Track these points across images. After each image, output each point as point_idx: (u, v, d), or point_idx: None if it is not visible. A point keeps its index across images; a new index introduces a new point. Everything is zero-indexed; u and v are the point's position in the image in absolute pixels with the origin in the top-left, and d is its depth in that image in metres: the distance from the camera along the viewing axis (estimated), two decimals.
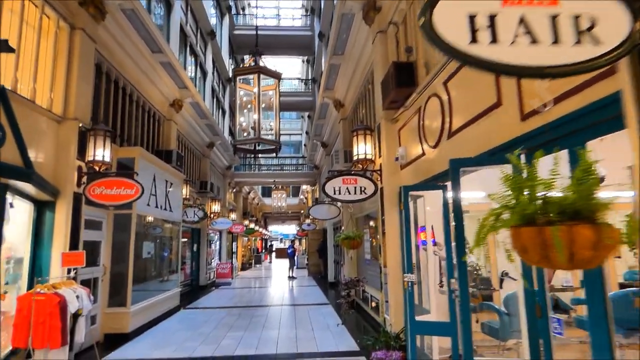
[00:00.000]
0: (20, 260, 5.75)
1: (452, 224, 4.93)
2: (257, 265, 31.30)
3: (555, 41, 1.67)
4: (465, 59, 1.69)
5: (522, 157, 3.20)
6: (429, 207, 5.84)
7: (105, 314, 7.46)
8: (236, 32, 20.00)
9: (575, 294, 6.22)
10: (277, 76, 6.92)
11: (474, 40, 1.69)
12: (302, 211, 31.79)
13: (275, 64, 6.68)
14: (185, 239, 14.37)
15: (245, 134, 6.77)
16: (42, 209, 6.03)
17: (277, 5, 25.99)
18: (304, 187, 29.14)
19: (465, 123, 4.27)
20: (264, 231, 37.40)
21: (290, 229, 47.99)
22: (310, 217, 18.42)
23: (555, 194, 1.58)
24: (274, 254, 42.25)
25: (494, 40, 1.69)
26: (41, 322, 4.88)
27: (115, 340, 7.25)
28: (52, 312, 4.94)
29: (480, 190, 6.60)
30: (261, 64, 6.71)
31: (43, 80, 6.13)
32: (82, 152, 6.51)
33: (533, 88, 3.08)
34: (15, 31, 5.54)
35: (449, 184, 4.85)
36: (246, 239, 29.43)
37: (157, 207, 9.38)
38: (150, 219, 9.31)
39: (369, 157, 7.17)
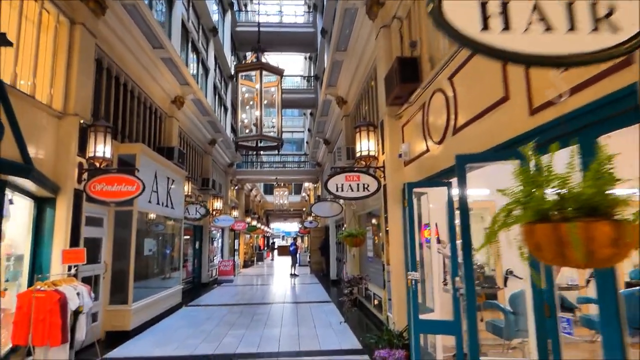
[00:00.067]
0: (21, 257, 5.71)
1: (457, 221, 4.88)
2: (259, 263, 31.30)
3: (571, 28, 1.59)
4: (476, 47, 1.62)
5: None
6: (433, 204, 5.76)
7: (106, 311, 7.42)
8: (238, 28, 19.91)
9: (580, 293, 6.15)
10: (279, 72, 6.85)
11: (485, 27, 1.61)
12: (304, 209, 31.73)
13: (278, 61, 6.61)
14: (188, 236, 14.33)
15: (247, 131, 6.71)
16: (42, 205, 5.98)
17: (280, 1, 25.91)
18: (306, 184, 29.07)
19: (471, 119, 4.18)
20: (266, 229, 37.38)
21: (292, 226, 47.97)
22: (313, 214, 18.36)
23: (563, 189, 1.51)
24: (276, 252, 42.23)
25: (507, 27, 1.61)
26: (41, 319, 4.84)
27: (116, 338, 7.21)
28: (52, 310, 4.89)
29: (484, 188, 6.55)
30: (263, 60, 6.65)
31: (43, 76, 6.07)
32: (82, 148, 6.46)
33: (542, 81, 2.99)
34: (15, 26, 5.47)
35: (454, 180, 4.78)
36: (248, 236, 29.41)
37: (158, 204, 9.33)
38: (151, 215, 9.27)
39: (372, 153, 7.10)
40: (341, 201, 12.10)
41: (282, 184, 26.19)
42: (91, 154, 6.50)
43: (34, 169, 4.99)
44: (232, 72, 18.28)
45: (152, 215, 9.30)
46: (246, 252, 28.00)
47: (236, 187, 23.36)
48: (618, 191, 1.44)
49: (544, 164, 1.57)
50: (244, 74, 6.79)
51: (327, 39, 14.72)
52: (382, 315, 7.42)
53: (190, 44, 13.23)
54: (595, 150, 2.32)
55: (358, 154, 7.18)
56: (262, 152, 23.49)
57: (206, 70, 15.42)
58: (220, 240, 19.17)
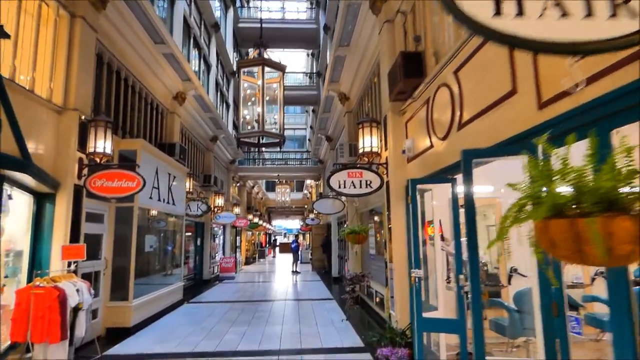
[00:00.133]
0: (20, 253, 5.66)
1: (462, 218, 4.81)
2: (261, 260, 31.28)
3: (588, 14, 1.51)
4: (488, 34, 1.54)
5: (540, 147, 3.07)
6: (436, 201, 5.68)
7: (107, 307, 7.38)
8: (240, 25, 19.81)
9: (585, 291, 6.07)
10: (281, 68, 6.78)
11: (497, 12, 1.53)
12: (306, 206, 31.68)
13: (280, 57, 6.55)
14: (189, 233, 14.30)
15: (249, 127, 6.66)
16: (42, 201, 5.93)
17: None
18: (308, 181, 29.01)
19: (477, 113, 4.10)
20: (267, 226, 37.34)
21: (294, 223, 47.94)
22: (315, 211, 18.27)
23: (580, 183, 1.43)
24: (277, 249, 42.22)
25: (520, 12, 1.53)
26: (40, 316, 4.79)
27: (117, 335, 7.18)
28: (51, 306, 4.84)
29: (488, 185, 6.48)
30: (265, 56, 6.58)
31: (42, 70, 6.00)
32: (82, 143, 6.40)
33: (552, 74, 2.92)
34: (14, 19, 5.41)
35: (458, 177, 4.70)
36: (250, 233, 29.38)
37: (159, 200, 9.27)
38: (153, 212, 9.21)
39: (374, 150, 7.01)
40: (343, 198, 12.03)
41: (284, 181, 26.12)
42: (91, 150, 6.44)
43: (32, 164, 4.94)
44: (234, 68, 18.20)
45: (153, 212, 9.25)
46: (248, 249, 27.98)
47: (238, 184, 23.30)
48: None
49: (559, 157, 1.49)
50: (245, 70, 6.73)
51: (330, 35, 14.63)
52: (385, 313, 7.36)
53: (192, 40, 13.15)
54: (609, 143, 2.27)
55: (361, 150, 7.10)
56: (264, 149, 23.48)
57: (208, 67, 15.34)
58: (221, 237, 19.13)
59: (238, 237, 22.68)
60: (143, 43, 8.64)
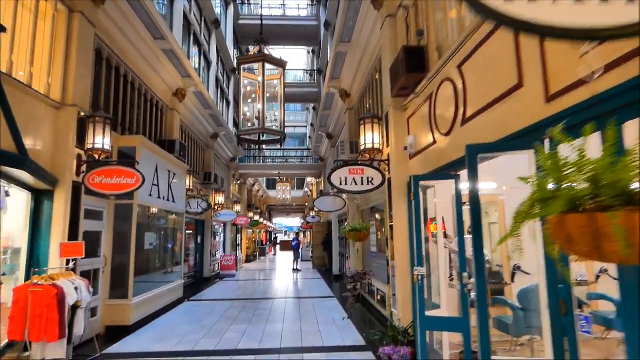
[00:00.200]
0: (18, 250, 5.61)
1: (465, 215, 4.73)
2: (262, 258, 31.25)
3: None
4: (500, 19, 1.46)
5: (547, 142, 2.99)
6: (439, 198, 5.61)
7: (106, 306, 7.32)
8: (241, 21, 19.71)
9: (590, 289, 6.00)
10: (282, 65, 6.71)
11: None
12: (306, 204, 31.61)
13: (281, 54, 6.49)
14: (190, 231, 14.24)
15: (249, 124, 6.60)
16: (40, 198, 5.87)
17: None
18: (308, 179, 28.94)
19: (482, 108, 4.02)
20: (268, 224, 37.29)
21: (295, 221, 47.88)
22: (315, 209, 18.22)
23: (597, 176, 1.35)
24: (278, 247, 42.19)
25: None
26: (38, 314, 4.74)
27: (116, 333, 7.12)
28: (49, 304, 4.79)
29: (490, 182, 6.40)
30: (266, 53, 6.52)
31: (40, 65, 5.93)
32: (81, 140, 6.33)
33: (560, 66, 2.84)
34: (11, 13, 5.33)
35: (462, 173, 4.64)
36: (251, 231, 29.33)
37: (159, 197, 9.21)
38: (153, 209, 9.15)
39: (376, 146, 6.94)
40: (344, 195, 11.97)
41: (284, 179, 26.04)
42: (90, 146, 6.37)
43: (29, 160, 4.87)
44: (235, 65, 18.11)
45: (153, 210, 9.19)
46: (248, 247, 27.94)
47: (238, 182, 23.24)
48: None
49: (575, 148, 1.41)
50: (246, 66, 6.67)
51: (331, 31, 14.53)
52: (386, 311, 7.29)
53: (192, 36, 13.06)
54: (621, 136, 2.19)
55: (362, 147, 7.03)
56: (264, 147, 23.38)
57: (208, 63, 15.25)
58: (222, 235, 19.07)
59: (239, 235, 22.63)
60: (143, 39, 8.57)
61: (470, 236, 5.17)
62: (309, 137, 29.47)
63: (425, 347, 4.68)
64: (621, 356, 4.73)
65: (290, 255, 26.17)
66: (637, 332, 2.18)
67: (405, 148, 6.23)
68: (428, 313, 4.82)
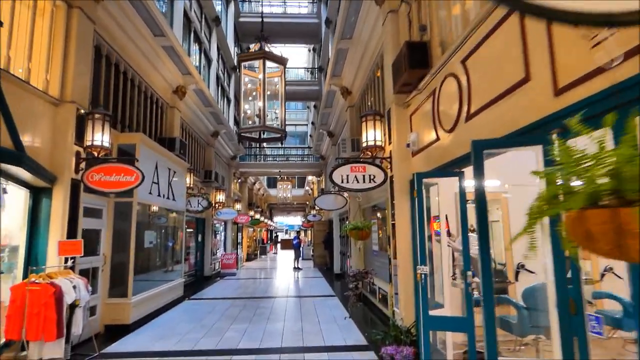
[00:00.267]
0: (16, 248, 5.54)
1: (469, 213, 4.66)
2: (263, 256, 31.19)
3: None
4: (514, 5, 1.38)
5: (554, 137, 2.91)
6: (442, 195, 5.53)
7: (105, 304, 7.25)
8: (242, 19, 19.62)
9: (595, 288, 5.92)
10: (282, 62, 6.64)
11: None
12: (307, 202, 31.56)
13: (281, 52, 6.43)
14: (190, 229, 14.18)
15: (250, 122, 6.54)
16: (38, 195, 5.80)
17: None
18: (309, 178, 28.87)
19: (487, 103, 3.94)
20: (269, 222, 37.24)
21: (296, 220, 47.84)
22: (316, 207, 18.15)
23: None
24: (279, 245, 42.15)
25: None
26: (35, 313, 4.67)
27: (115, 332, 7.05)
28: (47, 303, 4.72)
29: (493, 179, 6.32)
30: (267, 49, 6.44)
31: (38, 61, 5.85)
32: (80, 137, 6.26)
33: (569, 59, 2.76)
34: (8, 8, 5.25)
35: (466, 170, 4.56)
36: (251, 229, 29.27)
37: (159, 195, 9.14)
38: (153, 207, 9.08)
39: (378, 143, 6.87)
40: (346, 194, 11.90)
41: (285, 178, 25.98)
42: (89, 143, 6.30)
43: (26, 157, 4.80)
44: (235, 63, 18.02)
45: (153, 208, 9.12)
46: (249, 246, 27.88)
47: (239, 180, 23.17)
48: None
49: (595, 139, 1.34)
50: (246, 63, 6.60)
51: (332, 29, 14.44)
52: (388, 310, 7.22)
53: (192, 34, 12.97)
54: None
55: (364, 144, 6.95)
56: (265, 145, 23.30)
57: (209, 61, 15.17)
58: (223, 234, 19.02)
59: (239, 234, 22.57)
60: (142, 35, 8.48)
61: (474, 234, 5.12)
62: (310, 136, 29.39)
63: (428, 347, 4.61)
64: (628, 356, 4.66)
65: (291, 253, 26.12)
66: None
67: (408, 145, 6.15)
68: (431, 312, 4.75)
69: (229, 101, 18.89)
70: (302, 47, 27.77)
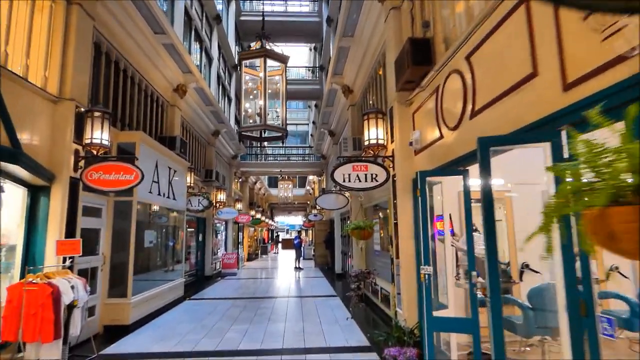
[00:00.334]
0: (13, 248, 5.46)
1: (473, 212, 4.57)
2: (264, 256, 31.12)
3: None
4: None
5: (564, 134, 2.83)
6: (446, 194, 5.44)
7: (104, 305, 7.18)
8: (243, 17, 19.55)
9: (600, 287, 5.83)
10: (283, 60, 6.59)
11: None
12: (308, 202, 31.48)
13: (282, 51, 6.39)
14: (191, 229, 14.11)
15: (251, 121, 6.49)
16: (36, 194, 5.72)
17: None
18: (310, 177, 28.78)
19: (492, 100, 3.85)
20: (270, 222, 37.17)
21: (297, 220, 47.77)
22: (317, 207, 18.08)
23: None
24: (280, 245, 42.08)
25: None
26: (32, 314, 4.59)
27: (115, 333, 6.98)
28: (44, 304, 4.64)
29: (496, 178, 6.23)
30: (268, 48, 6.38)
31: (37, 57, 5.77)
32: (79, 135, 6.19)
33: (579, 52, 2.67)
34: (6, 3, 5.18)
35: (471, 168, 4.48)
36: (252, 229, 29.20)
37: (159, 194, 9.06)
38: (153, 206, 9.01)
39: (380, 142, 6.78)
40: (347, 193, 11.82)
41: (286, 177, 25.90)
42: (88, 141, 6.22)
43: (23, 155, 4.72)
44: (236, 62, 17.94)
45: (153, 206, 9.05)
46: (250, 245, 27.82)
47: (240, 180, 23.10)
48: None
49: (616, 132, 1.25)
50: (247, 62, 6.55)
51: (333, 27, 14.36)
52: (390, 311, 7.14)
53: (193, 32, 12.90)
54: None
55: (366, 143, 6.86)
56: (266, 144, 23.23)
57: (209, 60, 15.10)
58: (224, 233, 18.95)
59: (240, 233, 22.50)
60: (143, 33, 8.40)
61: (476, 234, 5.04)
62: (311, 135, 29.32)
63: (432, 349, 4.53)
64: (635, 357, 4.58)
65: (292, 253, 26.05)
66: None
67: (411, 143, 6.06)
68: (435, 313, 4.66)
69: (229, 100, 18.83)
70: (303, 46, 27.68)
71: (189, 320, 8.25)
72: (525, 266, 6.21)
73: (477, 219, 4.58)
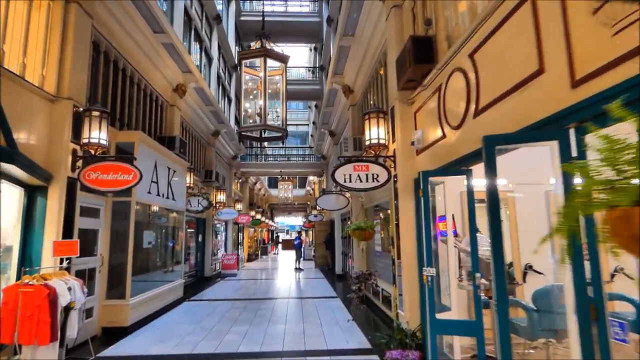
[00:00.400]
0: (10, 248, 5.38)
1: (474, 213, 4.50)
2: (264, 257, 31.04)
3: None
4: None
5: (572, 132, 2.75)
6: (448, 194, 5.37)
7: (103, 306, 7.10)
8: (243, 17, 19.49)
9: (605, 289, 5.75)
10: (284, 59, 6.52)
11: None
12: (308, 203, 31.41)
13: (283, 51, 6.33)
14: (191, 229, 14.03)
15: (251, 121, 6.43)
16: (33, 194, 5.65)
17: None
18: (310, 178, 28.71)
19: (497, 98, 3.78)
20: (270, 222, 37.09)
21: (297, 220, 47.69)
22: (318, 207, 17.99)
23: None
24: (280, 246, 42.00)
25: None
26: (28, 316, 4.51)
27: (113, 334, 6.90)
28: (40, 305, 4.56)
29: (500, 178, 6.15)
30: (268, 47, 6.32)
31: (34, 56, 5.71)
32: (77, 134, 6.12)
33: (587, 48, 2.60)
34: (3, 2, 5.11)
35: (474, 167, 4.41)
36: (252, 230, 29.13)
37: (158, 195, 8.98)
38: (152, 207, 8.93)
39: (382, 142, 6.70)
40: (347, 194, 11.74)
41: (286, 178, 25.83)
42: (86, 140, 6.15)
43: (19, 154, 4.65)
44: (236, 62, 17.88)
45: (155, 208, 8.98)
46: (250, 246, 27.74)
47: (240, 180, 23.03)
48: None
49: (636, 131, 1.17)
50: (247, 61, 6.49)
51: (333, 27, 14.30)
52: (392, 312, 7.06)
53: (193, 32, 12.83)
54: None
55: (367, 143, 6.78)
56: (266, 144, 23.19)
57: (209, 60, 15.03)
58: (224, 234, 18.87)
59: (240, 234, 22.42)
60: (142, 32, 8.33)
61: (479, 235, 4.96)
62: (311, 136, 29.26)
63: (435, 352, 4.45)
64: None
65: (292, 254, 25.96)
66: None
67: (412, 143, 5.99)
68: (438, 315, 4.59)
69: (229, 100, 18.76)
70: (303, 46, 27.63)
71: (188, 321, 8.17)
72: (529, 267, 6.12)
73: (480, 220, 4.51)
